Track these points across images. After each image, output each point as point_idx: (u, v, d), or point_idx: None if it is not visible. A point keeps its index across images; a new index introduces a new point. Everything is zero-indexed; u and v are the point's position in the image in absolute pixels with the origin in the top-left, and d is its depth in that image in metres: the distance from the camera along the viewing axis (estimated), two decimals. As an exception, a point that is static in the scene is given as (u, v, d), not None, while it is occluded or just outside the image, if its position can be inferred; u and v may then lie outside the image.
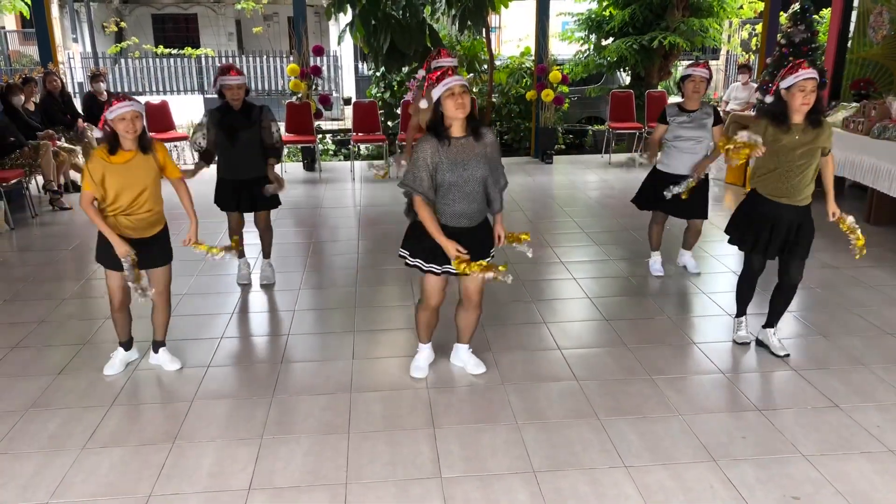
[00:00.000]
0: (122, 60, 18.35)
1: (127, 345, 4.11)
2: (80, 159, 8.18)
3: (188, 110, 14.45)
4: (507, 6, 10.77)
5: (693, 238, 5.44)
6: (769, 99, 4.11)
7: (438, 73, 3.42)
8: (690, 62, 5.17)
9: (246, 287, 5.34)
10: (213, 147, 4.92)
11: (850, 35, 8.44)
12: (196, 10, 22.31)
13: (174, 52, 17.38)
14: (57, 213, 7.46)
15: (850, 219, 4.03)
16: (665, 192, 4.98)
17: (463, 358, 4.05)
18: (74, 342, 4.41)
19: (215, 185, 5.11)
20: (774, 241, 3.93)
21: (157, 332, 4.07)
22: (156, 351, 4.10)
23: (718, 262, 5.78)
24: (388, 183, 8.84)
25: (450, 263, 3.54)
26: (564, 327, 4.60)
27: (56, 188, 7.58)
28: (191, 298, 5.13)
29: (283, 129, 9.70)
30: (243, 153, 4.91)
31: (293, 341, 4.42)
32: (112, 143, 3.58)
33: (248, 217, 5.30)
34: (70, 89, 10.96)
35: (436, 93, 3.37)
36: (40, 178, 7.86)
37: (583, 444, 3.30)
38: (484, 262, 3.49)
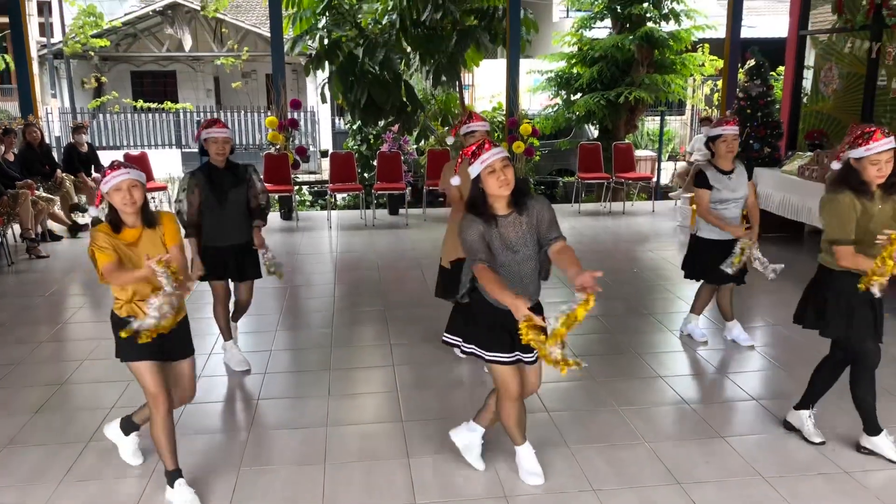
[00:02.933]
0: (101, 115, 18.55)
1: (176, 473, 3.21)
2: (58, 209, 8.27)
3: (166, 164, 14.60)
4: (477, 65, 11.22)
5: (730, 301, 5.01)
6: None
7: (474, 146, 3.04)
8: (719, 120, 4.77)
9: (246, 372, 4.64)
10: (197, 215, 4.34)
11: (804, 90, 8.90)
12: (175, 67, 22.68)
13: (153, 106, 17.62)
14: (33, 260, 7.49)
15: None
16: (723, 267, 4.56)
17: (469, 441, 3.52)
18: (50, 382, 4.44)
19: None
20: (880, 322, 3.44)
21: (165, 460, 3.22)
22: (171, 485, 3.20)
23: (682, 301, 5.98)
24: (365, 230, 9.03)
25: (518, 349, 3.09)
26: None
27: (33, 237, 7.64)
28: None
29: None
30: (232, 215, 4.41)
31: (269, 380, 4.50)
32: (115, 220, 3.05)
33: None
34: (48, 142, 11.07)
35: (474, 171, 3.01)
36: (17, 227, 7.91)
37: (553, 471, 3.40)
38: (561, 331, 2.83)
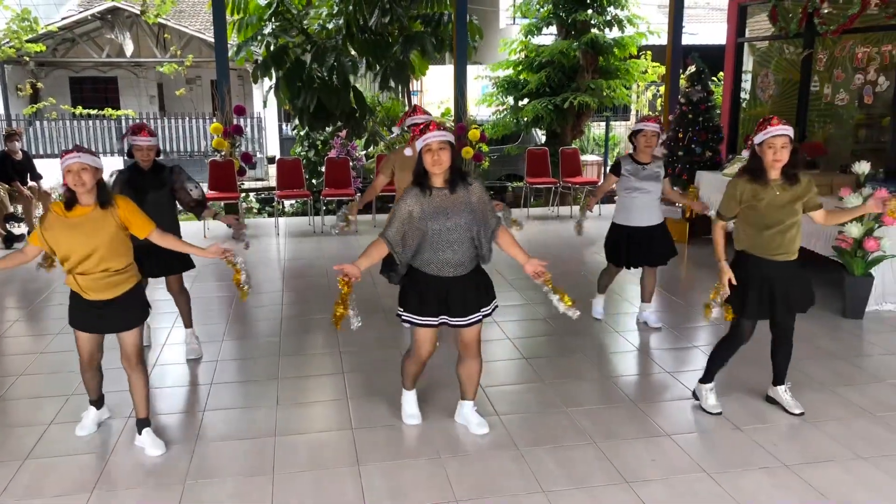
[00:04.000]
0: (38, 122, 17.96)
1: (98, 403, 3.91)
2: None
3: (107, 172, 14.23)
4: (424, 73, 11.23)
5: (651, 286, 5.48)
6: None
7: (422, 126, 3.46)
8: (643, 117, 5.31)
9: (197, 361, 4.92)
10: None
11: (742, 95, 9.17)
12: (116, 73, 22.12)
13: (93, 112, 17.14)
14: (-34, 273, 7.21)
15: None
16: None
17: (466, 416, 3.90)
18: (-15, 399, 4.27)
19: None
20: (766, 301, 3.79)
21: (138, 409, 3.72)
22: (139, 432, 3.71)
23: (629, 303, 6.08)
24: (313, 237, 8.94)
25: (444, 314, 3.55)
26: (486, 367, 4.71)
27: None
28: (109, 353, 5.03)
29: (206, 187, 9.71)
30: (152, 215, 4.40)
31: (216, 390, 4.41)
32: (70, 197, 3.40)
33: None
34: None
35: (417, 145, 3.43)
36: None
37: (503, 473, 3.42)
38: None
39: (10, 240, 8.33)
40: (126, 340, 3.65)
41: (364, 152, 11.95)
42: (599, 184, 5.38)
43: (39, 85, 19.90)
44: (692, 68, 8.91)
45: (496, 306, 3.76)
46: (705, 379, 4.09)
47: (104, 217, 3.45)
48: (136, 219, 3.56)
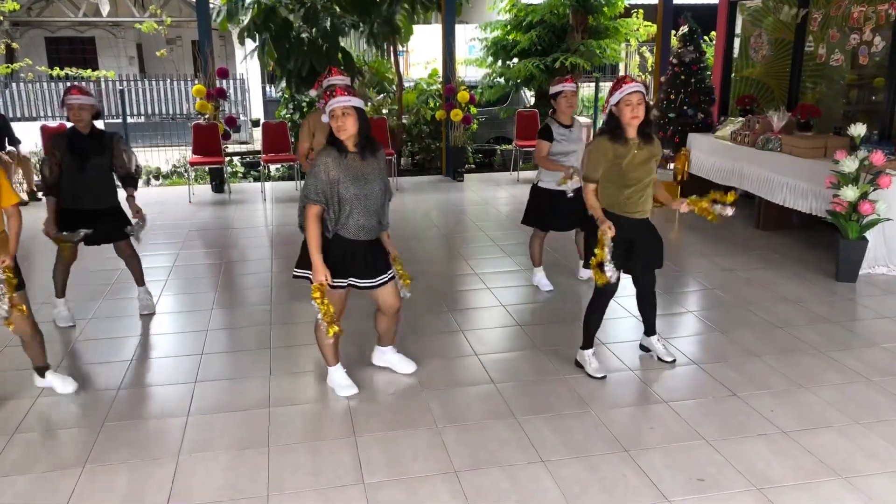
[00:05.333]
0: (13, 84, 17.50)
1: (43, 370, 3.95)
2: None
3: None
4: (408, 39, 10.96)
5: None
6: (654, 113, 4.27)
7: (329, 91, 3.52)
8: (559, 78, 5.15)
9: (150, 317, 5.06)
10: (56, 176, 4.51)
11: (735, 55, 9.05)
12: (94, 34, 21.56)
13: (72, 73, 16.70)
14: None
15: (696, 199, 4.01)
16: (563, 188, 5.04)
17: (391, 360, 4.12)
18: (-30, 372, 4.18)
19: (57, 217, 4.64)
20: (634, 258, 3.94)
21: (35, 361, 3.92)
22: (41, 375, 3.94)
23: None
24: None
25: (353, 276, 3.68)
26: (480, 334, 4.71)
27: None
28: (97, 322, 4.95)
29: (190, 152, 9.52)
30: (93, 181, 4.60)
31: (207, 360, 4.34)
32: None
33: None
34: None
35: (326, 110, 3.50)
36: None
37: (501, 443, 3.39)
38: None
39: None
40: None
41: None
42: (537, 155, 5.21)
43: (14, 45, 19.35)
44: (684, 28, 8.78)
45: (393, 275, 3.88)
46: (585, 345, 4.12)
47: None
48: (4, 188, 3.59)
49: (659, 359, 4.23)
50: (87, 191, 4.59)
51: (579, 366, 4.14)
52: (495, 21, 12.63)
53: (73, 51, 21.75)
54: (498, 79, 12.50)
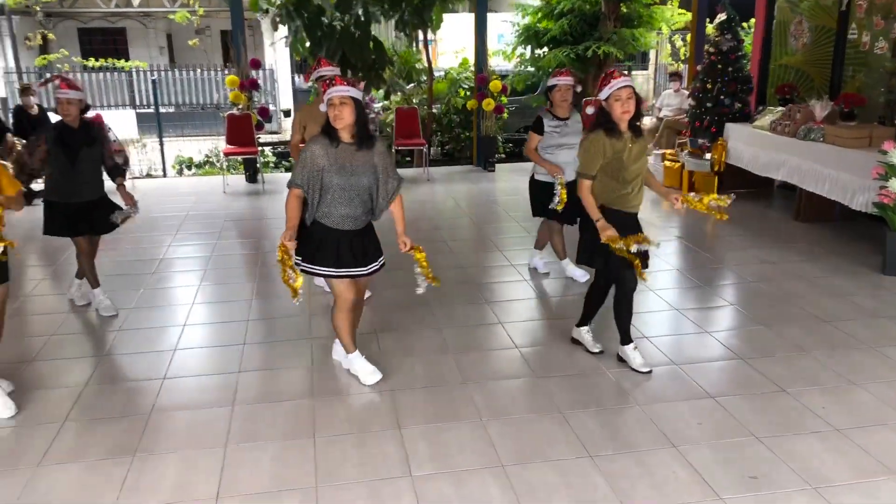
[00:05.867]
0: (48, 74, 17.72)
1: None
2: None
3: (121, 126, 14.06)
4: (439, 27, 10.91)
5: (560, 243, 5.48)
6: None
7: (328, 81, 3.53)
8: (555, 71, 5.20)
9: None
10: (39, 165, 4.51)
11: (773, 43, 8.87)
12: (125, 24, 21.75)
13: (106, 64, 16.88)
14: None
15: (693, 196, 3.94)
16: (550, 206, 5.04)
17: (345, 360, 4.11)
18: (21, 360, 4.24)
19: (44, 211, 4.73)
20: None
21: None
22: None
23: (659, 259, 5.97)
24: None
25: (347, 265, 3.70)
26: (519, 326, 4.68)
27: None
28: (138, 312, 5.00)
29: (220, 141, 9.57)
30: (86, 174, 4.64)
31: (249, 351, 4.36)
32: None
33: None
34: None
35: (324, 99, 3.53)
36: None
37: (547, 438, 3.37)
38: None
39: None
40: None
41: (381, 104, 11.72)
42: (526, 148, 5.26)
43: (50, 36, 19.58)
44: (722, 16, 8.61)
45: (383, 264, 3.92)
46: (624, 341, 4.05)
47: None
48: (3, 177, 3.57)
49: (632, 370, 4.03)
50: (81, 184, 4.63)
51: (622, 360, 4.10)
52: (528, 5, 12.50)
53: (105, 41, 21.98)
54: (528, 68, 12.40)
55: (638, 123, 3.80)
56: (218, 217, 7.69)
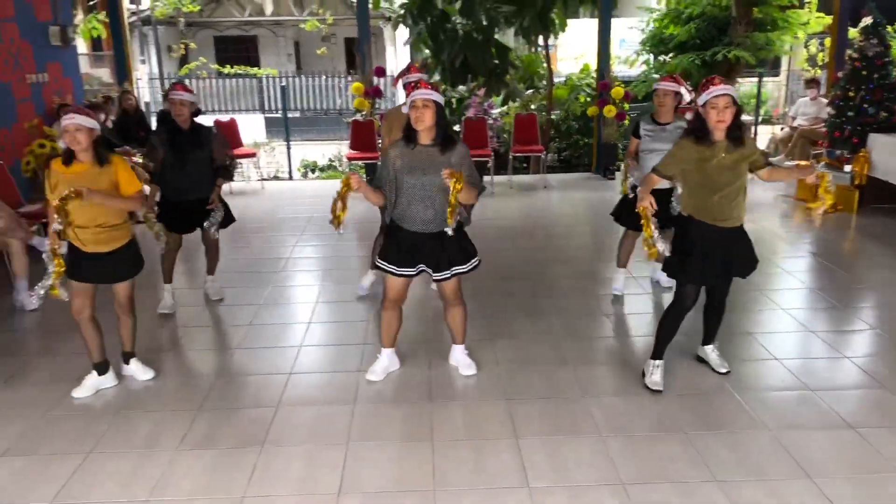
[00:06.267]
0: (188, 80, 18.94)
1: (101, 368, 3.96)
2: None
3: (251, 130, 14.79)
4: (563, 30, 10.83)
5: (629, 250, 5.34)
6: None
7: (413, 84, 3.69)
8: (663, 76, 5.10)
9: (168, 316, 5.06)
10: (160, 167, 4.79)
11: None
12: (256, 32, 22.93)
13: (240, 71, 17.87)
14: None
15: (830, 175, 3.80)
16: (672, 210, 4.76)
17: (457, 358, 4.16)
18: (161, 349, 4.53)
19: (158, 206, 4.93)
20: (709, 268, 3.72)
21: (125, 344, 4.05)
22: (126, 362, 4.08)
23: (791, 276, 5.66)
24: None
25: (407, 266, 3.80)
26: (644, 341, 4.55)
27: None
28: (267, 308, 5.24)
29: (343, 146, 9.87)
30: (194, 174, 4.81)
31: (369, 351, 4.46)
32: (68, 154, 3.60)
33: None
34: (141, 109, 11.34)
35: (409, 101, 3.64)
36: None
37: (670, 458, 3.26)
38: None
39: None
40: (119, 291, 3.88)
41: (500, 110, 11.74)
42: (627, 150, 5.23)
43: (192, 45, 20.92)
44: (867, 19, 8.08)
45: (474, 266, 3.90)
46: (654, 355, 3.94)
47: (100, 174, 3.61)
48: (125, 178, 3.69)
49: (713, 370, 4.06)
50: (190, 184, 4.82)
51: (749, 381, 3.90)
52: (655, 9, 12.18)
53: (237, 49, 23.23)
54: (652, 74, 12.08)
55: (738, 133, 3.62)
56: (298, 219, 7.92)
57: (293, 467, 3.25)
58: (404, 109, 3.69)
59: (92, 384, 3.93)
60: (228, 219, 5.18)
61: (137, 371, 4.08)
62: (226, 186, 9.87)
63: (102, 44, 20.75)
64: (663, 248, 3.72)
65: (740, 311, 4.97)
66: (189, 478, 3.17)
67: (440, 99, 3.63)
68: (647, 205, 3.71)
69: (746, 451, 3.30)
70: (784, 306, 5.06)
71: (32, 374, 4.22)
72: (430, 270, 3.84)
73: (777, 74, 17.82)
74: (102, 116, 8.14)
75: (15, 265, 5.22)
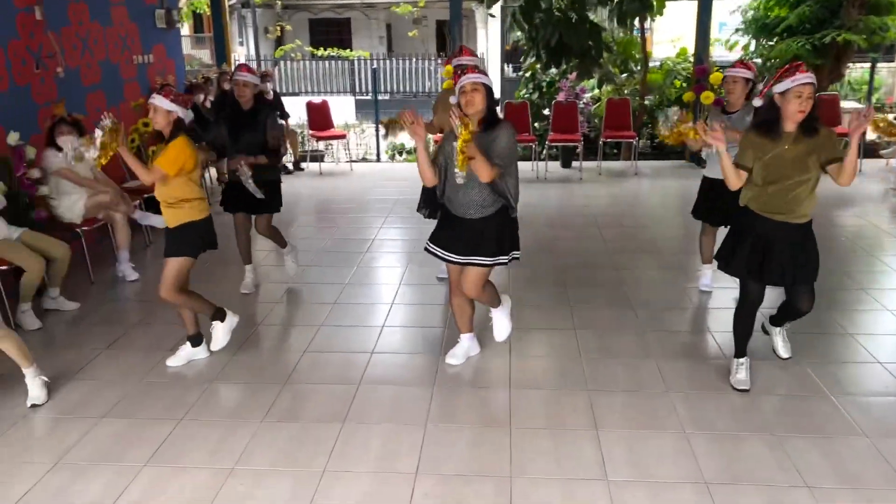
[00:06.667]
0: (283, 62, 19.45)
1: (194, 340, 4.12)
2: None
3: (342, 112, 15.06)
4: (661, 13, 10.47)
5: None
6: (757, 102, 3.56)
7: (460, 70, 3.64)
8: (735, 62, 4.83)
9: (248, 296, 5.17)
10: (218, 139, 4.90)
11: None
12: (350, 15, 23.28)
13: (333, 53, 18.21)
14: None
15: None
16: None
17: (463, 346, 4.14)
18: (250, 324, 4.69)
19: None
20: (769, 264, 3.50)
21: (187, 327, 4.09)
22: (194, 345, 4.13)
23: (891, 268, 5.32)
24: (536, 184, 8.81)
25: (440, 247, 3.79)
26: (728, 336, 4.35)
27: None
28: (352, 287, 5.33)
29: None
30: (246, 154, 4.80)
31: (450, 334, 4.48)
32: (158, 132, 3.87)
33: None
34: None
35: (456, 88, 3.57)
36: (213, 171, 8.51)
37: (757, 459, 3.13)
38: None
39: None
40: (166, 268, 3.92)
41: (591, 94, 11.50)
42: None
43: (288, 28, 21.45)
44: None
45: (504, 261, 3.76)
46: (737, 353, 3.81)
47: (159, 152, 3.83)
48: (168, 151, 3.78)
49: (773, 350, 4.03)
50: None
51: (847, 385, 3.70)
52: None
53: (330, 32, 23.68)
54: (755, 59, 11.53)
55: (814, 123, 3.34)
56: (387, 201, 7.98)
57: (372, 445, 3.30)
58: (452, 100, 3.62)
59: (185, 355, 4.11)
60: (276, 204, 5.10)
61: (218, 340, 4.19)
62: (315, 166, 10.19)
63: (204, 26, 21.56)
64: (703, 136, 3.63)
65: (840, 310, 4.72)
66: (273, 449, 3.28)
67: (489, 82, 3.58)
68: (713, 136, 3.51)
69: (840, 457, 3.13)
70: (889, 307, 4.76)
71: (132, 341, 4.45)
72: (452, 256, 3.77)
73: (892, 60, 16.70)
74: (201, 97, 8.44)
75: (118, 237, 5.51)
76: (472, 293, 3.86)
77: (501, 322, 4.13)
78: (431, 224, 4.14)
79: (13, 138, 4.99)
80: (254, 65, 19.01)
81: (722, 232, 4.99)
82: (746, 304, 3.69)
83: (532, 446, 3.27)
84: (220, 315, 4.15)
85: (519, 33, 9.53)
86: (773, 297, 3.96)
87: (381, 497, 2.95)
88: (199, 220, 3.96)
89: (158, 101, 3.74)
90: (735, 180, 3.54)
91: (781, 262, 3.50)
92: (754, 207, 3.54)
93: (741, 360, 3.79)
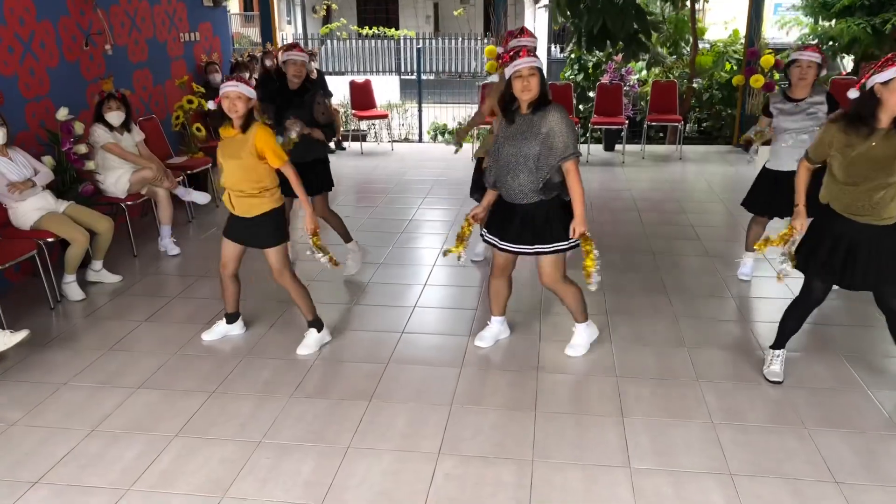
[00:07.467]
0: (328, 41, 19.53)
1: (230, 318, 4.20)
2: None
3: (386, 91, 15.08)
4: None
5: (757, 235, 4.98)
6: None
7: (512, 52, 3.49)
8: (800, 45, 4.60)
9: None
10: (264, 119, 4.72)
11: None
12: (398, -6, 23.25)
13: (377, 32, 18.21)
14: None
15: None
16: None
17: (490, 328, 4.15)
18: (285, 300, 4.75)
19: None
20: (852, 269, 3.30)
21: (303, 313, 4.08)
22: (317, 329, 4.10)
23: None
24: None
25: (493, 234, 3.75)
26: (767, 328, 4.30)
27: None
28: (387, 268, 5.37)
29: (474, 110, 9.85)
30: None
31: (480, 316, 4.49)
32: (215, 116, 3.77)
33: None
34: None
35: (507, 72, 3.46)
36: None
37: (786, 453, 3.07)
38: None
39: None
40: (267, 258, 3.94)
41: (638, 76, 11.29)
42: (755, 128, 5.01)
43: (334, 6, 21.51)
44: None
45: (562, 249, 3.67)
46: (776, 344, 3.72)
47: (243, 142, 3.70)
48: (269, 150, 3.72)
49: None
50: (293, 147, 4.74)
51: (888, 380, 3.59)
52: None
53: (377, 10, 23.67)
54: (811, 41, 11.16)
55: None
56: (464, 184, 7.89)
57: (397, 423, 3.34)
58: (494, 78, 3.56)
59: (220, 330, 4.21)
60: (327, 182, 5.07)
61: (309, 343, 4.07)
62: (356, 146, 10.23)
63: (253, 4, 21.75)
64: (786, 267, 3.55)
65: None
66: (301, 424, 3.34)
67: (542, 65, 3.53)
68: (797, 224, 3.48)
69: (873, 454, 3.05)
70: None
71: (171, 314, 4.57)
72: (509, 245, 3.71)
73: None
74: (246, 74, 8.55)
75: (161, 213, 5.64)
76: (550, 282, 3.79)
77: (579, 341, 4.00)
78: (469, 205, 4.13)
79: (62, 114, 5.12)
80: (300, 43, 19.16)
81: (770, 222, 4.93)
82: (808, 301, 3.55)
83: (556, 431, 3.27)
84: (318, 324, 4.11)
85: (561, 19, 9.39)
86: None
87: (402, 476, 2.98)
88: (279, 207, 3.92)
89: (243, 88, 3.64)
90: (804, 174, 3.49)
91: (867, 265, 3.29)
92: (837, 208, 3.32)
93: (777, 351, 3.71)
